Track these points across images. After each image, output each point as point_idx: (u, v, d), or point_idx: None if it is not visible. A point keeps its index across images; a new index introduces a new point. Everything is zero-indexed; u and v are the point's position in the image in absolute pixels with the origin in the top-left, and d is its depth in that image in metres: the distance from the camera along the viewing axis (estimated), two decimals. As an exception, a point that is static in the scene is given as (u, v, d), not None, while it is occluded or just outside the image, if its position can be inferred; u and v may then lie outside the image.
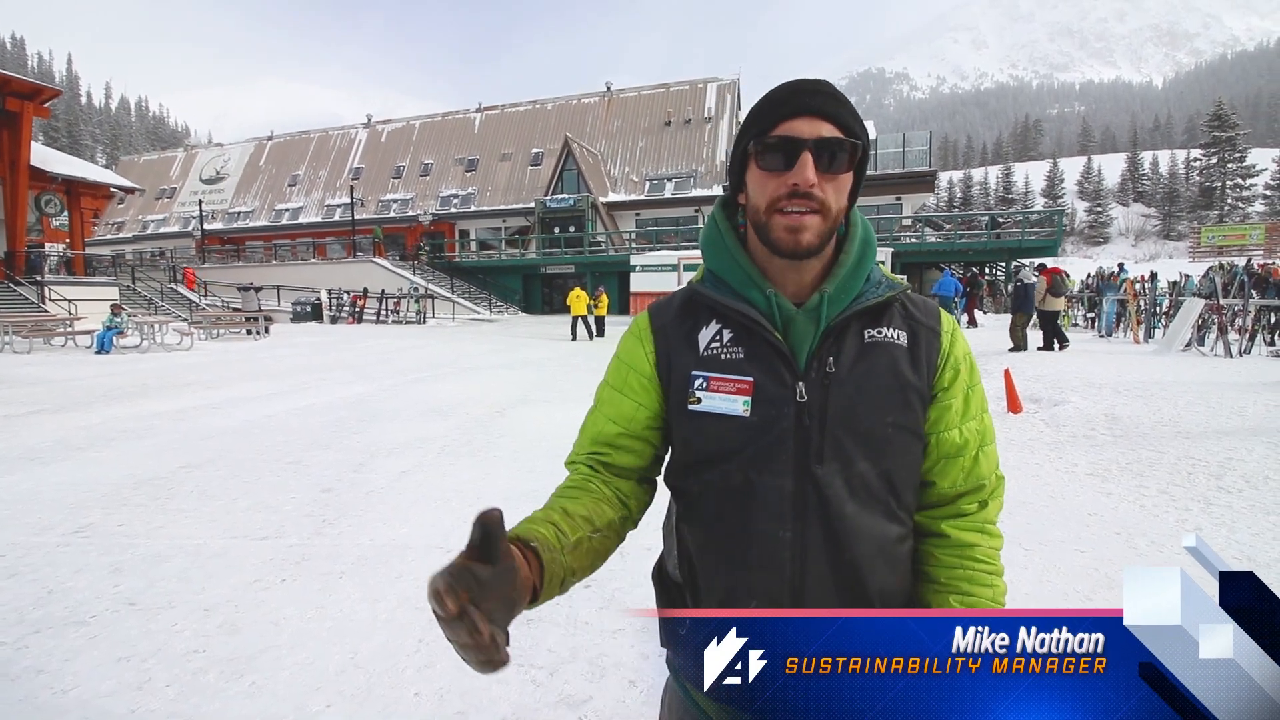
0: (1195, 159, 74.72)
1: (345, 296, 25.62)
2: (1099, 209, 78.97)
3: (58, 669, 2.30)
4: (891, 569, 0.85)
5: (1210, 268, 16.55)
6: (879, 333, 0.86)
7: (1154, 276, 16.44)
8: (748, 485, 0.83)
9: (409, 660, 2.37)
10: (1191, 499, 4.02)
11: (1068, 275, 12.80)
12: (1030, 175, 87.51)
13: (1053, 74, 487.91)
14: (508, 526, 0.68)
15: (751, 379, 0.84)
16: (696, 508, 0.89)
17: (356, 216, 35.12)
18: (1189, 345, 10.31)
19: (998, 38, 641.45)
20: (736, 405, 0.83)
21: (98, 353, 13.41)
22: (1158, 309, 13.94)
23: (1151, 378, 7.38)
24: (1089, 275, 20.11)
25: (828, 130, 0.80)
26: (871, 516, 0.83)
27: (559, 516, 0.83)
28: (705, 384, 0.85)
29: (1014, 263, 24.22)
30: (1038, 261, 18.88)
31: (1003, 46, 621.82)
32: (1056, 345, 10.87)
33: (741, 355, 0.85)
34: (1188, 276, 16.29)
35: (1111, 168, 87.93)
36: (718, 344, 0.87)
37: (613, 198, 33.94)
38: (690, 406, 0.86)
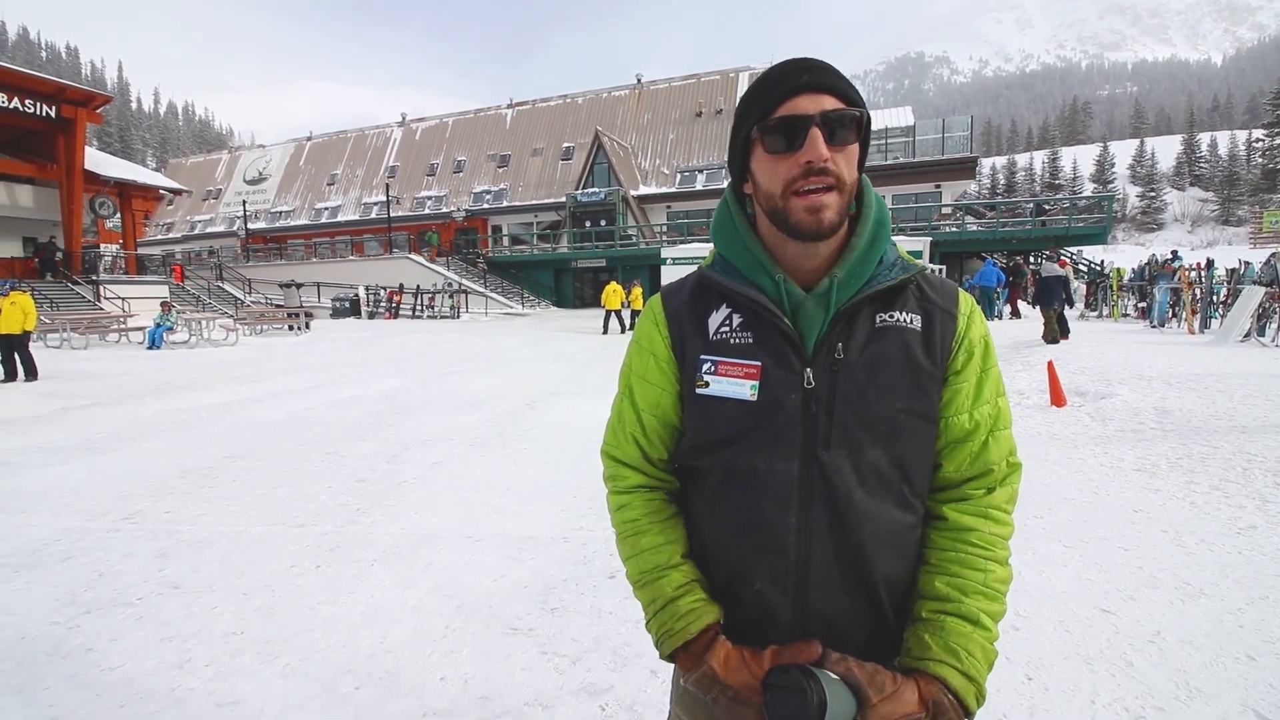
0: (1257, 140, 70.88)
1: (382, 292, 26.15)
2: (1152, 194, 75.64)
3: (105, 648, 2.41)
4: (900, 557, 0.83)
5: (1272, 254, 15.69)
6: (891, 317, 0.84)
7: (1210, 264, 15.68)
8: (754, 469, 0.83)
9: (436, 646, 2.42)
10: (1246, 496, 3.82)
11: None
12: (1079, 160, 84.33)
13: (1103, 54, 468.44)
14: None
15: (759, 363, 0.83)
16: (703, 490, 0.89)
17: (392, 214, 35.79)
18: (1248, 336, 9.80)
19: (1044, 17, 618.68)
20: (744, 389, 0.83)
21: (149, 348, 13.98)
22: (1214, 298, 13.28)
23: (1206, 369, 7.04)
24: (1141, 263, 19.27)
25: (830, 103, 0.79)
26: (882, 504, 0.81)
27: (695, 570, 0.89)
28: (713, 368, 0.85)
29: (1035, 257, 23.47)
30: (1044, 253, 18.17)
31: (1049, 26, 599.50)
32: (1060, 335, 10.66)
33: (750, 340, 0.85)
34: (1247, 263, 15.44)
35: (1166, 150, 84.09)
36: (727, 328, 0.87)
37: (643, 191, 33.84)
38: (698, 390, 0.86)
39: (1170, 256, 17.36)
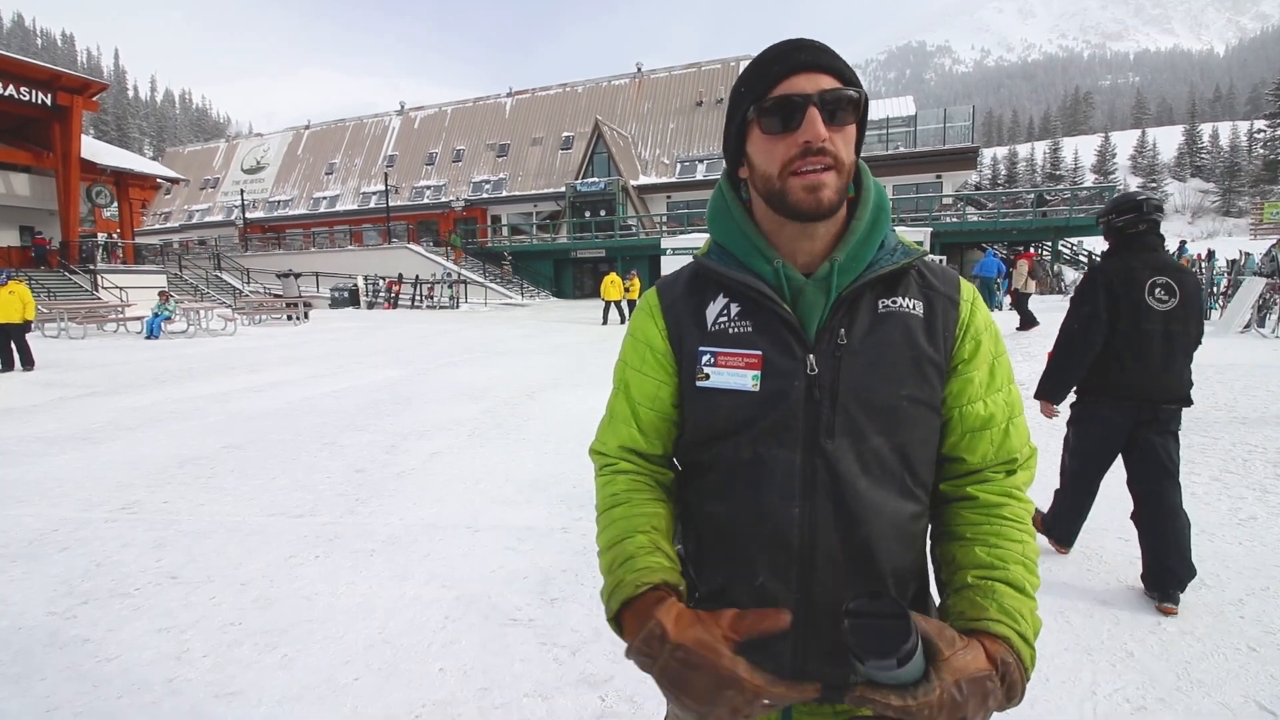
0: (1259, 130, 70.69)
1: (381, 282, 26.09)
2: (1153, 185, 75.46)
3: (102, 638, 2.40)
4: (905, 547, 0.82)
5: (1273, 245, 15.64)
6: (893, 302, 0.82)
7: (1211, 255, 15.63)
8: (757, 460, 0.81)
9: (435, 636, 2.41)
10: (1246, 487, 3.82)
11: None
12: (1080, 150, 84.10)
13: (1105, 43, 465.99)
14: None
15: (760, 353, 0.81)
16: (704, 483, 0.87)
17: (391, 204, 35.64)
18: (1248, 326, 9.80)
19: (1046, 6, 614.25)
20: (745, 380, 0.81)
21: (147, 338, 13.94)
22: (1215, 289, 13.26)
23: (1206, 360, 7.01)
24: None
25: (828, 83, 0.77)
26: (885, 493, 0.79)
27: (664, 543, 0.83)
28: (713, 359, 0.83)
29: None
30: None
31: (1051, 15, 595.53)
32: (1024, 325, 11.09)
33: (750, 329, 0.82)
34: (1248, 254, 15.39)
35: (1167, 141, 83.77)
36: (725, 318, 0.85)
37: (643, 180, 33.68)
38: (698, 383, 0.84)
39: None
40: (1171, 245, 19.40)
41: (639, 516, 0.84)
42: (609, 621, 0.78)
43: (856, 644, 0.60)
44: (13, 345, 9.43)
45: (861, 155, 0.85)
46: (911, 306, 0.82)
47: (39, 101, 19.90)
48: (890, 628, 0.60)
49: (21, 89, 19.45)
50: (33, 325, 10.02)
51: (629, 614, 0.74)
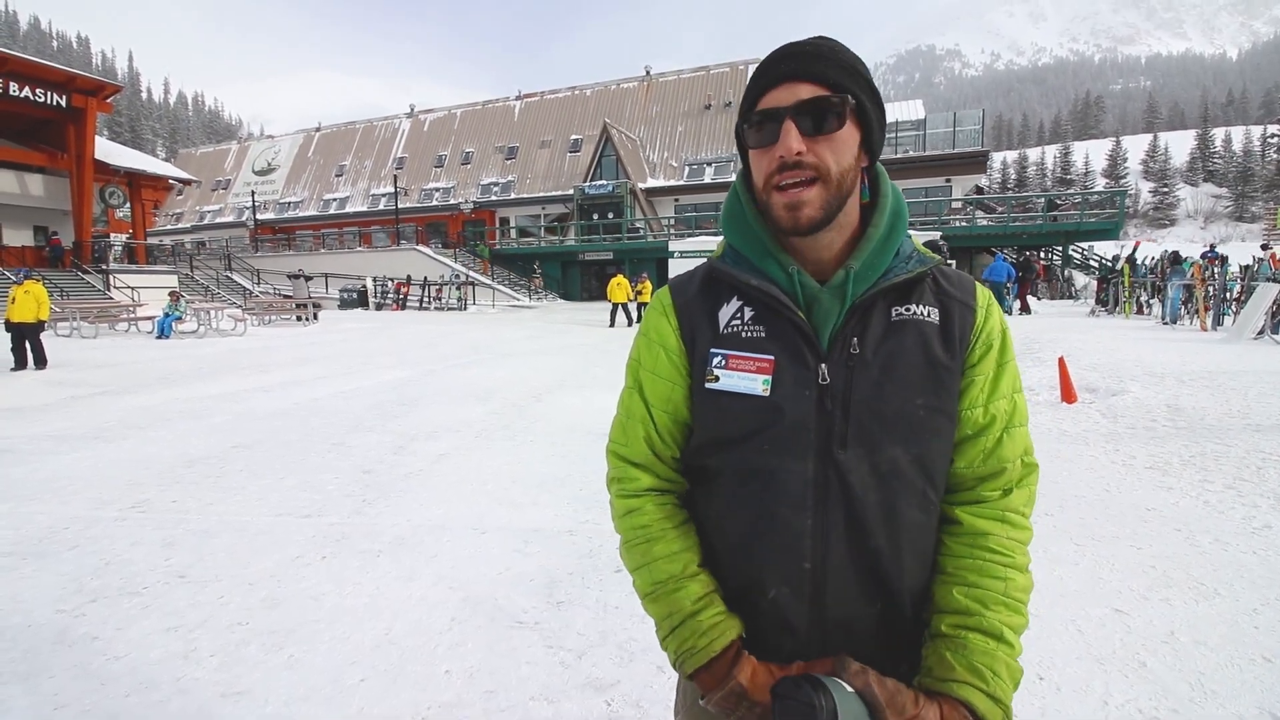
0: (1272, 135, 70.05)
1: (389, 284, 26.22)
2: (1165, 189, 74.89)
3: (111, 636, 2.41)
4: (920, 561, 0.80)
5: (1287, 250, 15.47)
6: (908, 310, 0.81)
7: (1224, 260, 15.45)
8: (767, 469, 0.79)
9: (441, 638, 2.40)
10: (1260, 495, 3.77)
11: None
12: (1090, 154, 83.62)
13: (1116, 47, 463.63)
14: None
15: (772, 357, 0.80)
16: (714, 491, 0.86)
17: (400, 206, 35.85)
18: (1262, 333, 9.67)
19: (1056, 9, 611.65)
20: (756, 384, 0.79)
21: (158, 338, 14.06)
22: (1228, 294, 13.12)
23: (1219, 367, 6.95)
24: (1152, 258, 19.01)
25: (807, 91, 0.75)
26: (902, 506, 0.78)
27: (712, 581, 0.84)
28: (724, 362, 0.82)
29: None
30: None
31: (1062, 19, 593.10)
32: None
33: (762, 333, 0.81)
34: (1261, 260, 15.21)
35: (1179, 146, 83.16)
36: (738, 321, 0.83)
37: (651, 183, 33.73)
38: (708, 385, 0.83)
39: (1207, 250, 17.00)
40: (1195, 250, 19.19)
41: (683, 555, 0.84)
42: (680, 674, 0.82)
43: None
44: (26, 344, 9.53)
45: (877, 155, 0.83)
46: (926, 314, 0.81)
47: (54, 103, 20.16)
48: (801, 709, 0.65)
49: (37, 91, 19.72)
50: (46, 325, 10.12)
51: (705, 675, 0.77)
